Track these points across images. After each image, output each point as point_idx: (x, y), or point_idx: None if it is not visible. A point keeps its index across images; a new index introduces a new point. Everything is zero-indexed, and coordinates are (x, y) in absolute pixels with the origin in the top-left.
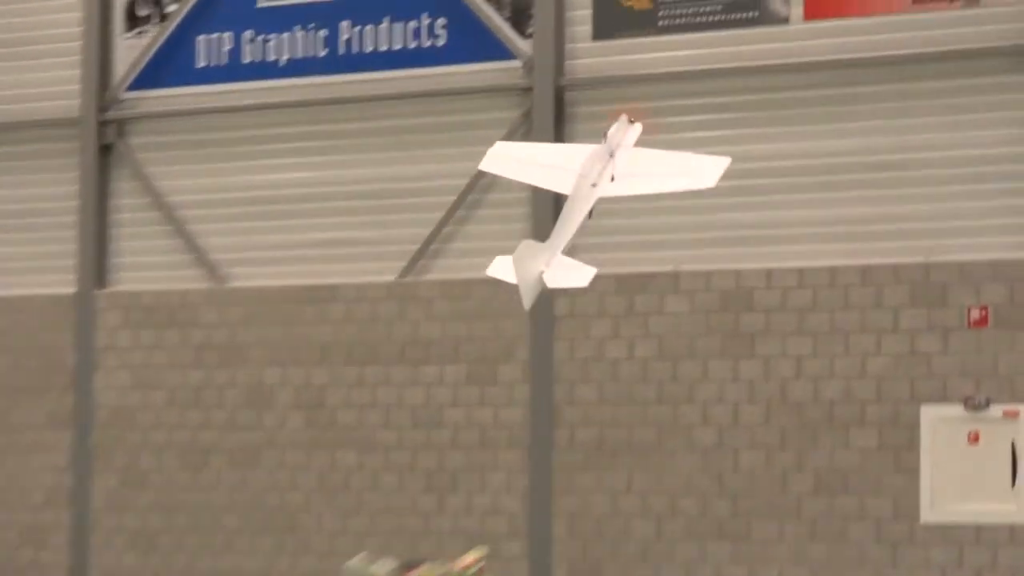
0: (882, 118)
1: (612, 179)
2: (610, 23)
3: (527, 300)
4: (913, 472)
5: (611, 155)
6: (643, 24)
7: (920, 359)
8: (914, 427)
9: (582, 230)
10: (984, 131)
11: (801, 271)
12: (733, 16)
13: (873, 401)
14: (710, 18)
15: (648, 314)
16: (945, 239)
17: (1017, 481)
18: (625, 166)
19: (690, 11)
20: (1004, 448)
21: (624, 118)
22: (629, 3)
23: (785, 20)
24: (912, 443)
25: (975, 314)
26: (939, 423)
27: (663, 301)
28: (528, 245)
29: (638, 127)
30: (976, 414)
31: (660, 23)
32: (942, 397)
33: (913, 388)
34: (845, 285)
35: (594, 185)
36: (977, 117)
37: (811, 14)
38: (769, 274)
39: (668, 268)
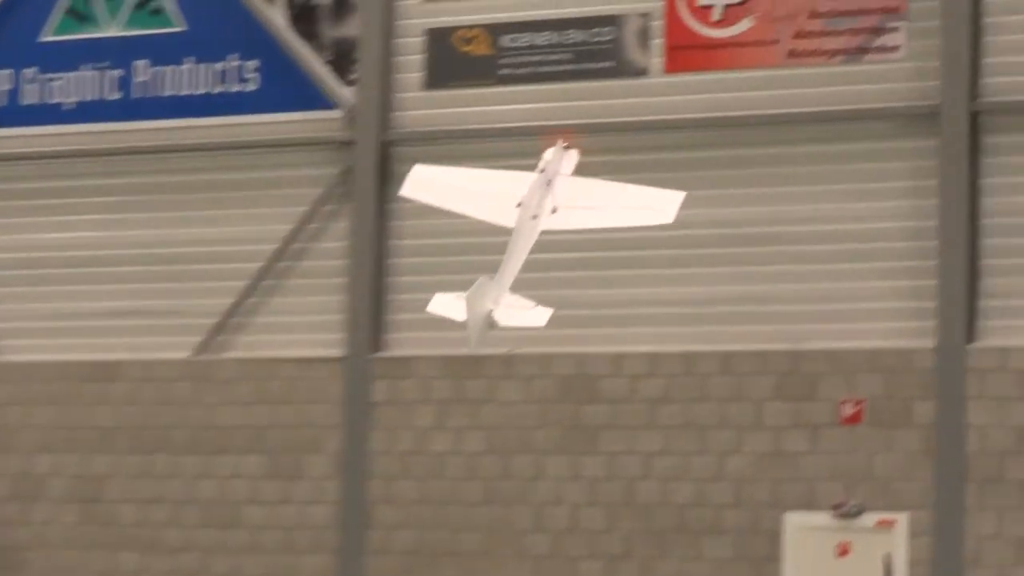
0: (750, 185)
1: (554, 211)
2: (445, 71)
3: (475, 340)
4: None
5: (549, 183)
6: (482, 73)
7: (785, 459)
8: (776, 536)
9: (403, 305)
10: (865, 203)
11: (652, 357)
12: (585, 67)
13: (731, 506)
14: (559, 68)
15: (478, 402)
16: (816, 324)
17: None
18: (567, 197)
19: (536, 59)
20: (877, 563)
21: (559, 144)
22: (467, 48)
23: (644, 73)
24: (773, 554)
25: (848, 409)
26: (804, 533)
27: (495, 388)
28: (481, 283)
29: (574, 153)
30: (846, 523)
31: (501, 72)
32: (808, 503)
33: (776, 492)
34: (702, 374)
35: (535, 217)
36: (858, 187)
37: (673, 67)
38: (616, 359)
39: (502, 350)
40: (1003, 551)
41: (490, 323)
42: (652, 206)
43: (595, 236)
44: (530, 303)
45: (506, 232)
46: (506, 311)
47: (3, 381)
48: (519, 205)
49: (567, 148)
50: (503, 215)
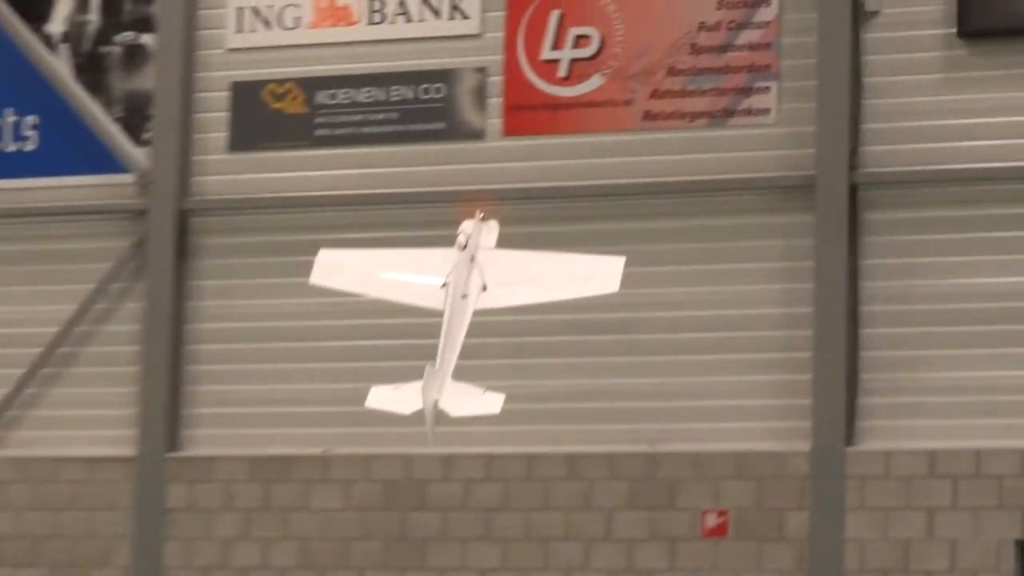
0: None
1: (484, 288)
2: (253, 130)
3: (431, 435)
4: None
5: (472, 259)
6: (296, 134)
7: None
8: None
9: (204, 398)
10: (731, 286)
11: (489, 458)
12: (413, 128)
13: None
14: (383, 129)
15: (289, 509)
16: (675, 423)
17: None
18: (497, 272)
19: (357, 119)
20: None
21: (477, 215)
22: (279, 105)
23: (480, 136)
24: None
25: (711, 520)
26: None
27: (309, 493)
28: (428, 371)
29: (494, 224)
30: None
31: (318, 132)
32: None
33: None
34: (545, 478)
35: (464, 297)
36: (723, 267)
37: (513, 129)
38: (447, 461)
39: (316, 450)
40: None
41: (438, 415)
42: (593, 275)
43: (418, 322)
44: (478, 389)
45: (321, 317)
46: (453, 400)
47: None
48: (444, 285)
49: (484, 219)
50: (430, 297)
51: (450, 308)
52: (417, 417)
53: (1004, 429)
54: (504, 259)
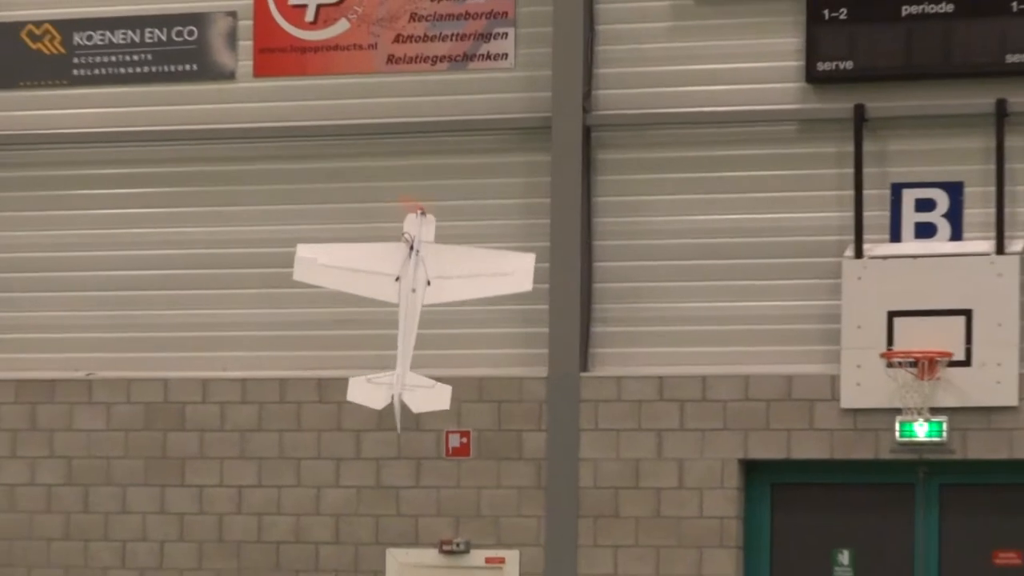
0: (349, 200)
1: (428, 283)
2: (13, 70)
3: (400, 424)
4: None
5: (417, 253)
6: (55, 73)
7: (387, 494)
8: (379, 575)
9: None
10: (473, 221)
11: (244, 382)
12: (165, 68)
13: (330, 543)
14: (137, 70)
15: (54, 430)
16: (422, 350)
17: None
18: (437, 268)
19: (112, 59)
20: None
21: (417, 211)
22: (38, 46)
23: (231, 76)
24: None
25: (454, 441)
26: (409, 570)
27: (72, 414)
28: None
29: (431, 218)
30: (453, 560)
31: (75, 72)
32: (413, 540)
33: (378, 528)
34: (298, 401)
35: (414, 291)
36: (465, 204)
37: (262, 70)
38: (205, 385)
39: (79, 374)
40: None
41: (401, 404)
42: (509, 272)
43: (183, 252)
44: (430, 381)
45: (82, 248)
46: (412, 395)
47: None
48: (398, 279)
49: (423, 214)
50: (386, 291)
51: (404, 303)
52: (177, 343)
53: (728, 356)
54: (441, 253)
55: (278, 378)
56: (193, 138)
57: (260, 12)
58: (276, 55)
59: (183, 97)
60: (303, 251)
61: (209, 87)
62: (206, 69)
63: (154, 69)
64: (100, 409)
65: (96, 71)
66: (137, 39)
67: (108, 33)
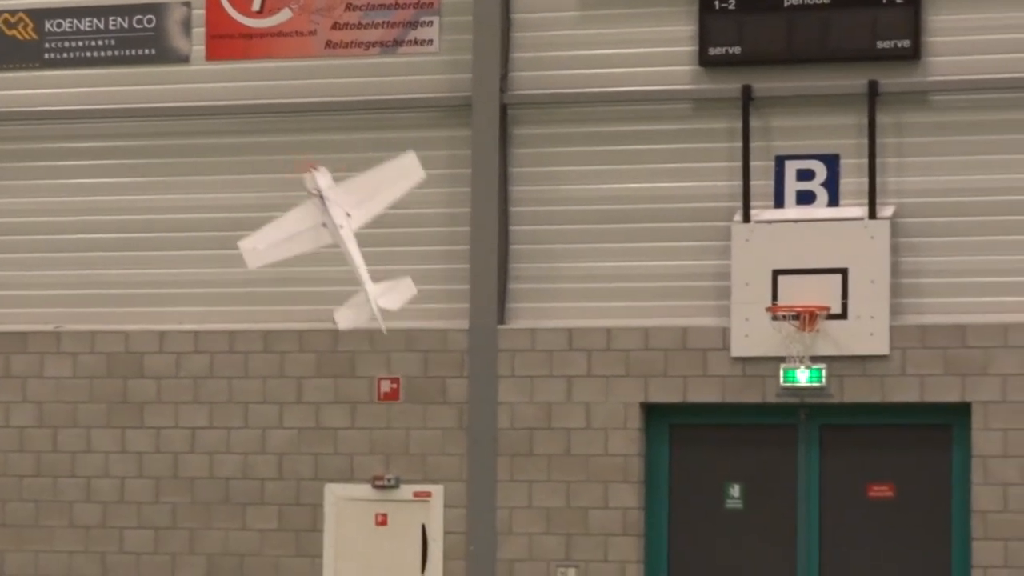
0: (287, 171)
1: (348, 215)
2: None
3: (383, 327)
4: (316, 555)
5: (327, 200)
6: (28, 56)
7: (326, 434)
8: (318, 508)
9: None
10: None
11: (196, 334)
12: (127, 52)
13: (274, 479)
14: (101, 54)
15: (26, 377)
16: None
17: (427, 566)
18: (347, 201)
19: (79, 44)
20: (415, 531)
21: (310, 172)
22: (12, 32)
23: (186, 59)
24: (316, 525)
25: (385, 387)
26: (345, 504)
27: (42, 363)
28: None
29: (323, 170)
30: (385, 495)
31: (46, 56)
32: (349, 476)
33: (317, 465)
34: (245, 352)
35: (342, 227)
36: None
37: (213, 54)
38: (161, 337)
39: (48, 327)
40: (533, 521)
41: (381, 311)
42: (403, 175)
43: (142, 218)
44: (393, 281)
45: (47, 214)
46: (386, 297)
47: None
48: (325, 225)
49: (316, 170)
50: (322, 239)
51: (339, 239)
52: (136, 299)
53: (630, 310)
54: (345, 189)
55: (227, 331)
56: (152, 115)
57: (212, 2)
58: (226, 40)
59: (143, 78)
60: (245, 245)
61: (166, 69)
62: (163, 53)
63: (117, 53)
64: (67, 358)
65: (65, 55)
66: (102, 26)
67: (76, 20)
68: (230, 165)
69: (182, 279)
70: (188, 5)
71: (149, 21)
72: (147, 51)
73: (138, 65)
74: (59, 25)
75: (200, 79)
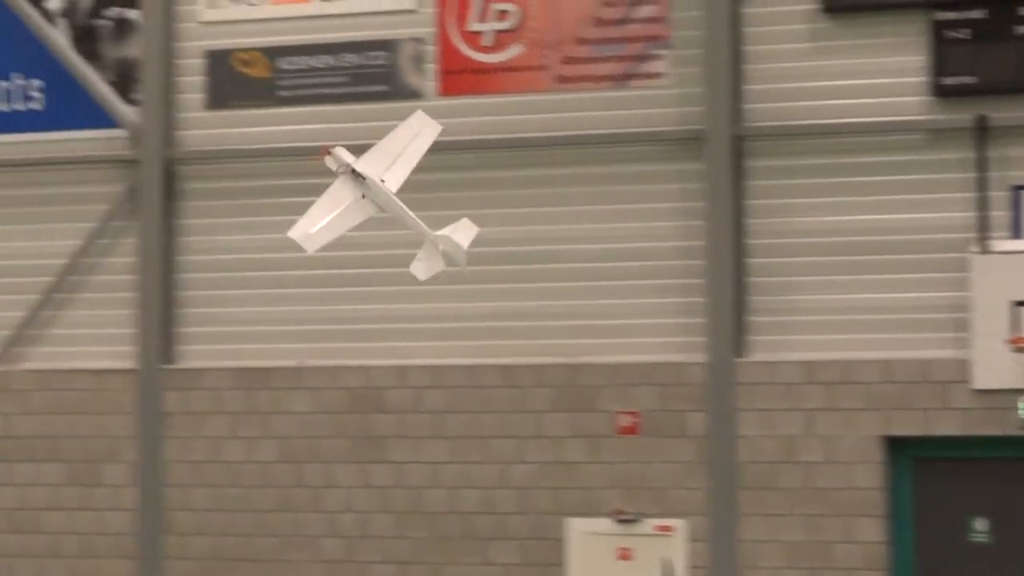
0: (524, 205)
1: (383, 180)
2: (225, 92)
3: (464, 270)
4: None
5: (356, 173)
6: (261, 94)
7: (565, 468)
8: (559, 542)
9: (192, 318)
10: (635, 223)
11: (436, 369)
12: (360, 89)
13: (515, 513)
14: (335, 90)
15: (269, 413)
16: (593, 338)
17: None
18: (377, 166)
19: (312, 81)
20: (656, 566)
21: (325, 154)
22: (246, 70)
23: (418, 95)
24: (557, 559)
25: (624, 420)
26: (587, 538)
27: (285, 399)
28: (427, 249)
29: (338, 150)
30: (626, 529)
31: (280, 93)
32: (589, 510)
33: (558, 500)
34: (485, 386)
35: (382, 186)
36: (628, 207)
37: (446, 90)
38: (400, 371)
39: (291, 362)
40: (776, 555)
41: (457, 248)
42: (420, 132)
43: (379, 254)
44: (452, 226)
45: (287, 249)
46: (449, 239)
47: None
48: (364, 196)
49: (331, 152)
50: (366, 209)
51: (382, 202)
52: (377, 334)
53: (868, 343)
54: (370, 158)
55: (467, 365)
56: None
57: (443, 38)
58: (458, 76)
59: (376, 114)
60: (295, 233)
61: (399, 105)
62: (396, 89)
63: (349, 90)
64: (309, 394)
65: (298, 92)
66: (334, 63)
67: (308, 58)
68: (460, 200)
69: (422, 314)
70: (420, 41)
71: (382, 58)
72: (380, 87)
73: (371, 101)
74: (292, 63)
75: (433, 114)
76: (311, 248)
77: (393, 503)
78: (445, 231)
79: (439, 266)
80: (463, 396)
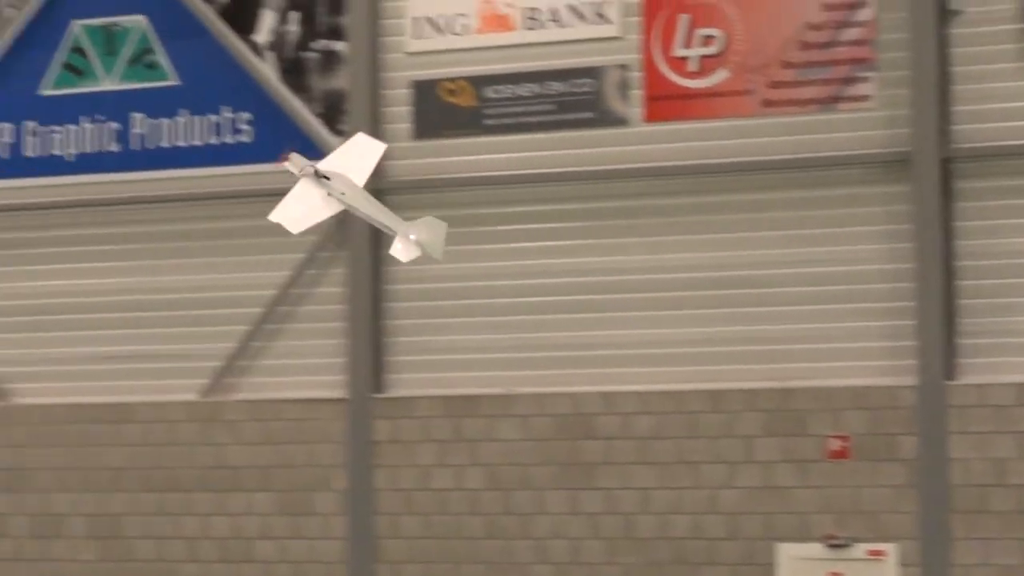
0: (732, 230)
1: (343, 194)
2: (432, 121)
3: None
4: None
5: (316, 172)
6: (467, 123)
7: (776, 493)
8: (769, 567)
9: (402, 347)
10: (843, 246)
11: (643, 395)
12: (566, 117)
13: (726, 538)
14: (541, 118)
15: (478, 440)
16: (802, 363)
17: None
18: (337, 166)
19: (518, 110)
20: None
21: (284, 160)
22: (452, 100)
23: (623, 122)
24: None
25: (835, 445)
26: (798, 563)
27: (494, 426)
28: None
29: (293, 155)
30: (837, 554)
31: (486, 123)
32: (800, 535)
33: (768, 525)
34: (694, 412)
35: (343, 193)
36: (836, 231)
37: (652, 116)
38: (607, 398)
39: (500, 390)
40: None
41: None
42: (364, 152)
43: (586, 280)
44: (415, 219)
45: (495, 278)
46: (418, 230)
47: (19, 423)
48: (329, 194)
49: (287, 158)
50: (333, 207)
51: (349, 198)
52: (581, 360)
53: None
54: (329, 164)
55: (675, 391)
56: (592, 178)
57: (648, 64)
58: (664, 102)
59: (582, 141)
60: (274, 217)
61: (605, 132)
62: (602, 116)
63: (555, 118)
64: (518, 421)
65: (504, 121)
66: (540, 91)
67: (514, 87)
68: (669, 226)
69: (629, 340)
70: (625, 68)
71: (587, 85)
72: (585, 115)
73: (577, 129)
74: (498, 91)
75: (639, 141)
76: (297, 229)
77: (603, 529)
78: (417, 223)
79: (415, 253)
80: (671, 422)
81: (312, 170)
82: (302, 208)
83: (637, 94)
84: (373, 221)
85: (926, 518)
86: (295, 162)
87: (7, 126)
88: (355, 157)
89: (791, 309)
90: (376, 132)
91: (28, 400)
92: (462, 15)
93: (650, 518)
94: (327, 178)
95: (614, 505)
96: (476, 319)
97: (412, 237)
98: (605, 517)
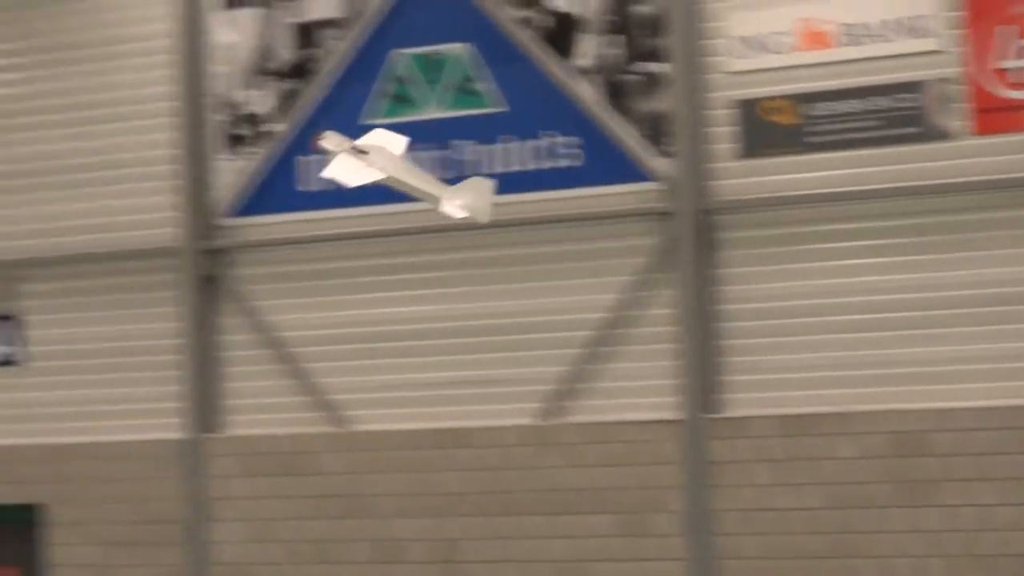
0: None
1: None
2: (755, 140)
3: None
4: None
5: (355, 149)
6: (788, 141)
7: None
8: None
9: (735, 367)
10: None
11: (983, 411)
12: (890, 132)
13: None
14: (863, 135)
15: (816, 459)
16: None
17: None
18: (372, 142)
19: (839, 127)
20: None
21: (319, 142)
22: (773, 118)
23: (948, 136)
24: None
25: None
26: None
27: (832, 445)
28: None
29: (327, 134)
30: None
31: (807, 140)
32: None
33: None
34: None
35: (384, 167)
36: None
37: (980, 129)
38: (944, 414)
39: (836, 408)
40: None
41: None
42: (388, 142)
43: (920, 296)
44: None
45: (823, 296)
46: (463, 192)
47: (359, 449)
48: (369, 167)
49: (322, 138)
50: (378, 175)
51: (391, 169)
52: (917, 377)
53: None
54: (372, 139)
55: (1015, 406)
56: (920, 192)
57: (971, 77)
58: (991, 114)
59: (906, 157)
60: (331, 173)
61: (929, 147)
62: (926, 131)
63: (879, 134)
64: (855, 439)
65: (827, 138)
66: (862, 107)
67: (835, 103)
68: (1003, 239)
69: (967, 356)
70: (946, 81)
71: (909, 100)
72: (910, 130)
73: (901, 144)
74: (820, 108)
75: (967, 154)
76: (355, 183)
77: (946, 547)
78: (461, 185)
79: (459, 214)
80: (1012, 438)
81: (349, 146)
82: (347, 173)
83: (959, 107)
84: (415, 191)
85: None
86: (331, 139)
87: None
88: (384, 144)
89: None
90: (699, 152)
91: (367, 427)
92: (781, 33)
93: (993, 535)
94: (365, 152)
95: (955, 523)
96: (809, 337)
97: (458, 202)
98: (947, 535)
